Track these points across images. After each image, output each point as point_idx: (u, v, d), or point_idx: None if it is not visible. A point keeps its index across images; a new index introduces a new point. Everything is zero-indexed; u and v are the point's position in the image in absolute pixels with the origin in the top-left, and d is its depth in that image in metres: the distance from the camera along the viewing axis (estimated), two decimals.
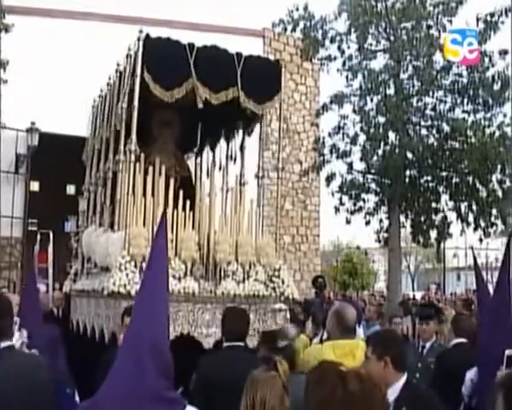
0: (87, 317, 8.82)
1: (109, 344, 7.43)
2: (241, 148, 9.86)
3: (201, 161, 10.70)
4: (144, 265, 7.07)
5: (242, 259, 7.87)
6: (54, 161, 21.29)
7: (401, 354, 4.41)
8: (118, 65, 8.97)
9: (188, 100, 8.31)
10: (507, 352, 4.94)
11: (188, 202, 7.94)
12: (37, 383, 3.95)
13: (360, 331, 6.56)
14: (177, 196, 7.99)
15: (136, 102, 7.94)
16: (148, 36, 8.08)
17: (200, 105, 8.16)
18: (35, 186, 24.37)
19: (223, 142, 10.37)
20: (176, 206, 7.89)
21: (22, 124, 19.01)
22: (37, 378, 3.98)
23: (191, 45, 8.16)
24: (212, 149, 10.58)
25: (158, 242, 3.55)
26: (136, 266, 7.37)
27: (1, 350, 3.95)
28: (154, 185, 8.01)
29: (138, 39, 8.01)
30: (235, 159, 9.92)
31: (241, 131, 9.90)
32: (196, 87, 8.07)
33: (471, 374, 5.56)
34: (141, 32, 8.07)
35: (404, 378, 4.29)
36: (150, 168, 8.16)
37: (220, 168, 10.10)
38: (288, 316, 7.86)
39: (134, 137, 7.93)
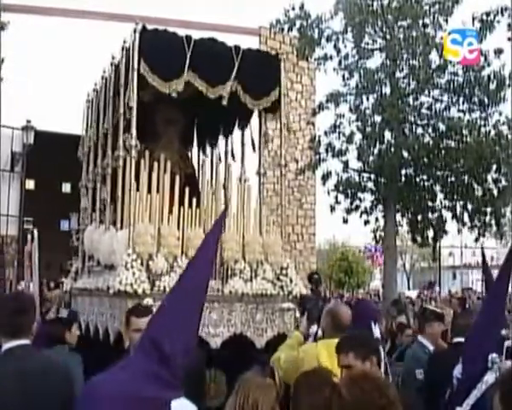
0: (90, 316, 8.71)
1: (114, 345, 7.36)
2: (242, 144, 9.77)
3: (204, 157, 10.60)
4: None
5: (250, 257, 7.77)
6: (49, 160, 21.29)
7: (380, 351, 4.37)
8: (113, 58, 8.81)
9: (189, 95, 8.25)
10: (506, 343, 4.96)
11: (194, 200, 7.89)
12: (49, 385, 3.92)
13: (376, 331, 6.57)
14: (182, 193, 7.92)
15: (134, 96, 7.79)
16: (144, 27, 7.93)
17: (174, 95, 7.91)
18: (30, 184, 24.33)
19: (223, 138, 10.29)
20: (181, 203, 7.82)
21: (18, 122, 18.97)
22: (50, 380, 3.94)
23: (188, 38, 7.99)
24: (212, 146, 10.50)
25: (207, 245, 3.64)
26: (142, 264, 7.29)
27: (15, 348, 3.94)
28: (158, 182, 7.92)
29: (134, 31, 7.84)
30: (233, 156, 9.85)
31: (241, 127, 9.80)
32: (193, 80, 7.95)
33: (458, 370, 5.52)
34: (137, 23, 7.94)
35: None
36: (155, 165, 8.08)
37: (220, 164, 9.99)
38: (298, 315, 7.79)
39: (134, 131, 7.77)
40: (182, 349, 3.26)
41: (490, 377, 4.70)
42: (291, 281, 8.01)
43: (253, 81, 8.33)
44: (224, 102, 8.09)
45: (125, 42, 8.22)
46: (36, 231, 11.34)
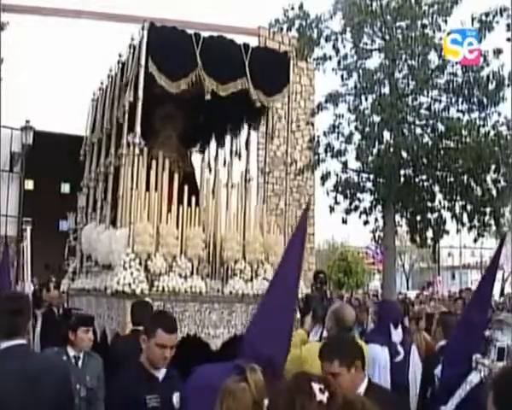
0: None
1: (112, 346, 7.28)
2: (247, 143, 9.72)
3: (204, 156, 10.54)
4: None
5: (250, 257, 7.71)
6: (48, 160, 21.31)
7: (364, 355, 4.25)
8: (120, 56, 8.76)
9: (191, 93, 8.18)
10: (498, 344, 4.95)
11: (193, 199, 7.82)
12: (48, 384, 3.89)
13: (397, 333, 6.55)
14: (181, 191, 7.85)
15: (140, 94, 7.78)
16: (152, 25, 7.89)
17: (208, 96, 7.94)
18: (29, 185, 24.35)
19: (226, 137, 10.22)
20: (180, 202, 7.76)
21: (17, 122, 18.94)
22: (49, 379, 3.92)
23: (197, 35, 7.97)
24: (219, 145, 10.42)
25: (293, 247, 3.63)
26: (140, 263, 7.24)
27: (11, 348, 3.91)
28: (157, 180, 7.86)
29: (143, 28, 7.79)
30: (239, 155, 9.78)
31: (246, 126, 9.73)
32: (203, 78, 7.89)
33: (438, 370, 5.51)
34: (145, 21, 7.88)
35: (367, 379, 4.20)
36: (153, 163, 8.00)
37: (225, 164, 9.91)
38: (299, 316, 7.68)
39: (138, 129, 7.76)
40: (280, 351, 3.33)
41: (474, 378, 4.73)
42: None
43: (263, 78, 8.29)
44: (248, 111, 8.07)
45: (132, 39, 8.16)
46: (29, 230, 11.28)
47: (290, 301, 3.59)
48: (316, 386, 2.67)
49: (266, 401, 2.99)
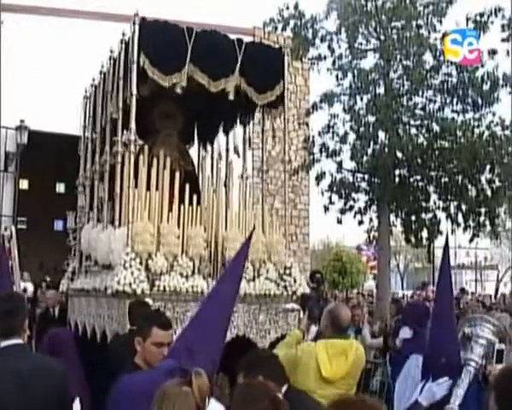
0: (87, 317, 8.61)
1: (111, 346, 7.24)
2: (244, 141, 9.68)
3: (205, 154, 10.48)
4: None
5: (252, 256, 7.61)
6: (43, 160, 21.28)
7: (273, 368, 4.33)
8: (111, 52, 8.68)
9: (191, 90, 8.13)
10: (496, 346, 4.99)
11: (194, 197, 7.78)
12: (46, 384, 3.91)
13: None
14: (182, 190, 7.82)
15: (134, 90, 7.73)
16: (144, 19, 7.82)
17: (178, 90, 7.80)
18: (24, 184, 24.28)
19: (223, 135, 10.16)
20: (182, 201, 7.73)
21: (11, 122, 18.90)
22: (47, 379, 3.94)
23: (190, 29, 7.89)
24: (211, 142, 10.37)
25: (237, 260, 3.77)
26: (141, 263, 7.21)
27: (10, 347, 3.93)
28: (158, 179, 7.82)
29: (134, 23, 7.72)
30: (238, 152, 9.73)
31: (243, 123, 9.68)
32: (195, 73, 7.82)
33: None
34: (136, 15, 7.83)
35: (283, 390, 4.25)
36: (154, 161, 7.95)
37: (221, 160, 9.86)
38: (302, 316, 7.64)
39: (133, 126, 7.69)
40: (208, 360, 3.37)
41: (468, 374, 4.76)
42: (295, 281, 7.90)
43: (256, 75, 8.19)
44: (231, 97, 7.99)
45: (123, 34, 8.10)
46: (13, 228, 11.23)
47: (225, 314, 3.67)
48: None
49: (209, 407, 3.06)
